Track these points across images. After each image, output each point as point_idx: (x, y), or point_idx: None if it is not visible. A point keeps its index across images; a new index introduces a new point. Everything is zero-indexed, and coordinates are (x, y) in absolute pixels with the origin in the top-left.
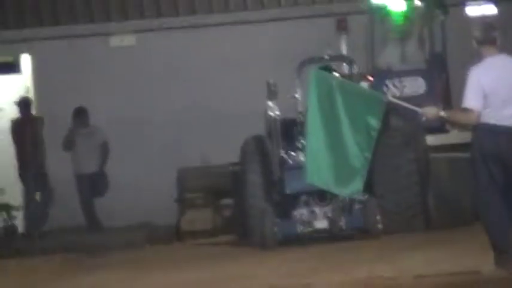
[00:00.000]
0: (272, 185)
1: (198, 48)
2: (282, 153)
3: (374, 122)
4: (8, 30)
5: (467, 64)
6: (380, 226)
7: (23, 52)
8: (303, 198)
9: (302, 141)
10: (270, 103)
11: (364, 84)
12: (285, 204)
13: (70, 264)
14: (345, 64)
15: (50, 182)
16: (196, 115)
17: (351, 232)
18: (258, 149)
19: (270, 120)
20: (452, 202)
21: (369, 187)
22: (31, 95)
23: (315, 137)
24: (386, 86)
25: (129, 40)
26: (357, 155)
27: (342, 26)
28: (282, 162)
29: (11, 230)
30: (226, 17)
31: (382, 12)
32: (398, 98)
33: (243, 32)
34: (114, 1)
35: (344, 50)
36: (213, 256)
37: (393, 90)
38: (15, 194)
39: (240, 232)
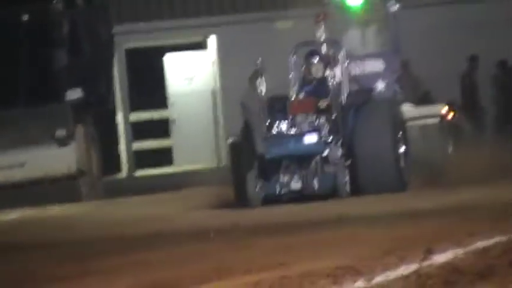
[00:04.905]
0: (256, 154)
1: None
2: (268, 125)
3: None
4: (199, 18)
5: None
6: (347, 188)
7: (210, 34)
8: (285, 163)
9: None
10: (257, 80)
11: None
12: (267, 169)
13: None
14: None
15: None
16: None
17: (322, 193)
18: (246, 125)
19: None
20: (426, 166)
21: (350, 151)
22: (215, 67)
23: None
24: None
25: (288, 24)
26: None
27: (319, 19)
28: (267, 132)
29: None
30: None
31: (341, 6)
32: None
33: None
34: None
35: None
36: None
37: (355, 70)
38: None
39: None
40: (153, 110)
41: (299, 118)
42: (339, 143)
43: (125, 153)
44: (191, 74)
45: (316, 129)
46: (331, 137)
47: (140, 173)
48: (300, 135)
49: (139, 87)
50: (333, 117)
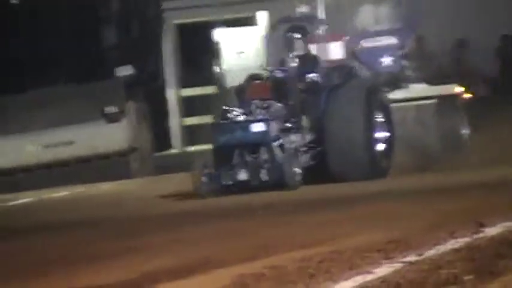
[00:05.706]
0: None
1: None
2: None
3: None
4: None
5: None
6: (298, 178)
7: (259, 9)
8: (237, 151)
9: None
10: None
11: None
12: (219, 157)
13: None
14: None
15: None
16: None
17: (270, 185)
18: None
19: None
20: (418, 147)
21: (321, 134)
22: (264, 42)
23: None
24: (361, 44)
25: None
26: None
27: None
28: (220, 119)
29: None
30: None
31: None
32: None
33: None
34: None
35: (320, 10)
36: None
37: (366, 45)
38: None
39: None
40: (204, 85)
41: (255, 103)
42: (304, 129)
43: (176, 129)
44: (241, 49)
45: (265, 117)
46: (288, 124)
47: (191, 148)
48: (247, 123)
49: (190, 63)
50: (290, 102)
